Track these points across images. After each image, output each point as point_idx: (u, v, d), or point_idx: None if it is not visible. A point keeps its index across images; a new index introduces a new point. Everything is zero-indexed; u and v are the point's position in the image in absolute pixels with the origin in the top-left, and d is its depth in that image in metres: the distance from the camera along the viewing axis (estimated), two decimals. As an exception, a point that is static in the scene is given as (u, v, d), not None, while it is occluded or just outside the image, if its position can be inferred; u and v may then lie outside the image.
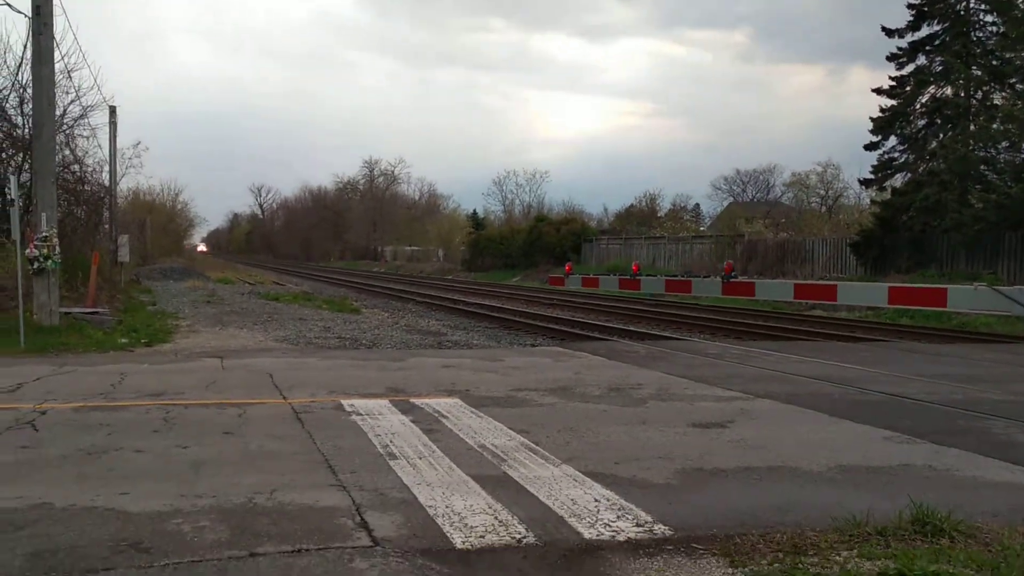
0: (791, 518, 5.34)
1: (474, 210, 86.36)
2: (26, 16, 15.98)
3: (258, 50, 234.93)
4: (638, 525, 5.17)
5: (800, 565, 4.52)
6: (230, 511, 5.29)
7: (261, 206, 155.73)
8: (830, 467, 6.68)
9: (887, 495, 5.87)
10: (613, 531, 5.05)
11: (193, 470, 6.30)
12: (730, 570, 4.51)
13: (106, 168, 34.48)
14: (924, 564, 4.44)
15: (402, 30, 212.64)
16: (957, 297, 23.50)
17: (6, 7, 16.40)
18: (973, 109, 33.93)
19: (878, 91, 35.98)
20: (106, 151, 34.65)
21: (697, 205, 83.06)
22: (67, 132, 26.01)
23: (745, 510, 5.52)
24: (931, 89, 35.02)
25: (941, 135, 34.65)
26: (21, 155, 23.86)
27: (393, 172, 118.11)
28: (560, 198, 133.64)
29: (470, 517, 5.25)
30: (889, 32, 35.70)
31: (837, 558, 4.63)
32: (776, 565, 4.54)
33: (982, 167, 32.26)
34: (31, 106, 17.47)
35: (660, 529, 5.10)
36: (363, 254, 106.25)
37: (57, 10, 15.92)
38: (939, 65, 34.67)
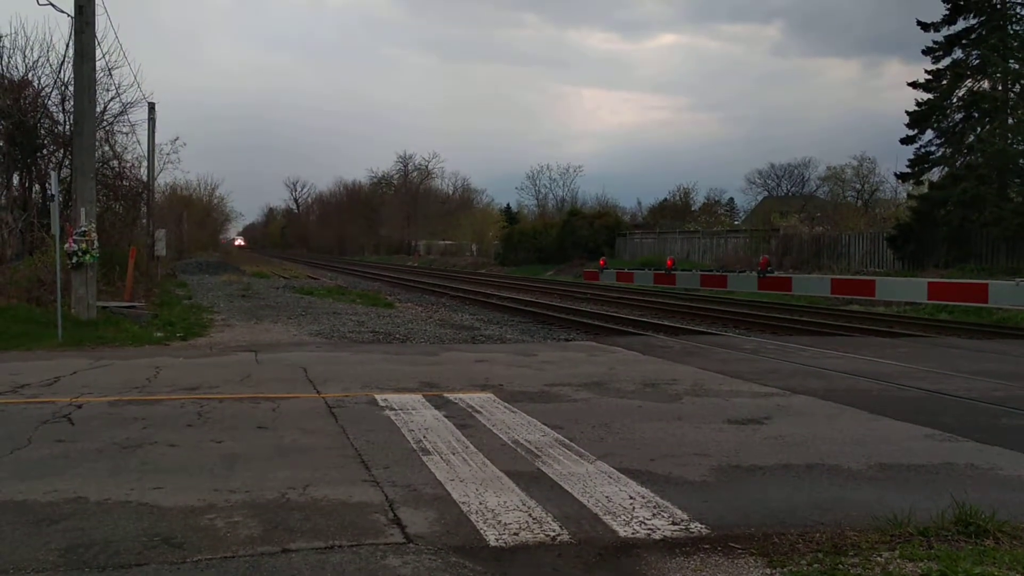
0: (831, 517, 5.24)
1: (507, 204, 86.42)
2: (68, 15, 16.18)
3: (294, 46, 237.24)
4: (674, 523, 5.09)
5: (840, 566, 4.42)
6: (263, 506, 5.29)
7: (296, 200, 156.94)
8: (870, 465, 6.55)
9: (929, 494, 5.74)
10: (649, 529, 4.98)
11: (227, 465, 6.31)
12: (768, 570, 4.42)
13: (144, 164, 34.92)
14: (968, 566, 4.33)
15: (437, 26, 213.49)
16: (998, 292, 23.11)
17: (49, 6, 16.59)
18: (1011, 103, 33.44)
19: (914, 85, 35.59)
20: (144, 147, 35.06)
21: (731, 199, 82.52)
22: (107, 128, 26.41)
23: (783, 508, 5.43)
24: (968, 83, 34.63)
25: (978, 129, 34.22)
26: (62, 151, 24.21)
27: (427, 167, 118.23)
28: (593, 192, 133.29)
29: (504, 514, 5.20)
30: (925, 26, 35.32)
31: (878, 559, 4.53)
32: (815, 566, 4.44)
33: (1021, 161, 31.78)
34: (72, 103, 17.66)
35: (696, 527, 5.02)
36: (397, 248, 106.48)
37: (99, 9, 16.06)
38: (976, 59, 34.24)
